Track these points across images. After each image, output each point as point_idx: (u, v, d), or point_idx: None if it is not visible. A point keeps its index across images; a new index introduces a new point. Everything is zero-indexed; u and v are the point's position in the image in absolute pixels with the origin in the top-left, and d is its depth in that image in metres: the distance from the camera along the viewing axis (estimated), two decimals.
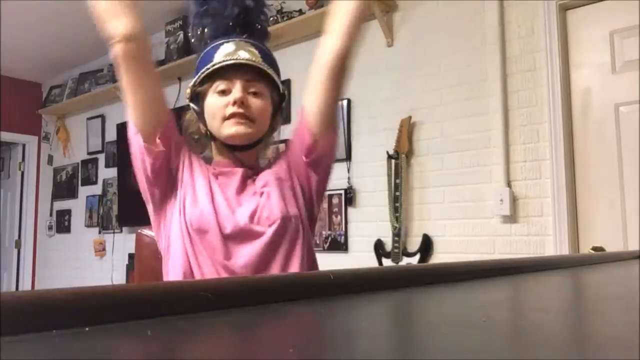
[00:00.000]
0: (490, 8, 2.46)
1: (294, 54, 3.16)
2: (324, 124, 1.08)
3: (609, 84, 2.21)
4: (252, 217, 1.02)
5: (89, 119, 4.79)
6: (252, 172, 1.10)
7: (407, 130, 2.65)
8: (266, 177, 1.08)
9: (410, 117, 2.66)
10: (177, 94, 3.95)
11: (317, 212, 1.15)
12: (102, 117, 4.68)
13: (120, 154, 4.33)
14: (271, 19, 3.17)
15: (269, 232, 1.00)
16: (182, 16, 3.81)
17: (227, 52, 1.05)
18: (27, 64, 4.79)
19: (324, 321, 0.35)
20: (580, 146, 2.26)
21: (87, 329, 0.28)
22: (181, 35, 3.81)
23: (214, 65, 1.04)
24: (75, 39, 4.28)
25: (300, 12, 3.08)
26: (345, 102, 2.95)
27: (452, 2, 2.60)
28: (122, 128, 4.28)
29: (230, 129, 1.03)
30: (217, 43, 1.08)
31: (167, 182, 1.05)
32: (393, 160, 2.67)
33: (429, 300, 0.47)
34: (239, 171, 1.08)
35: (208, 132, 1.08)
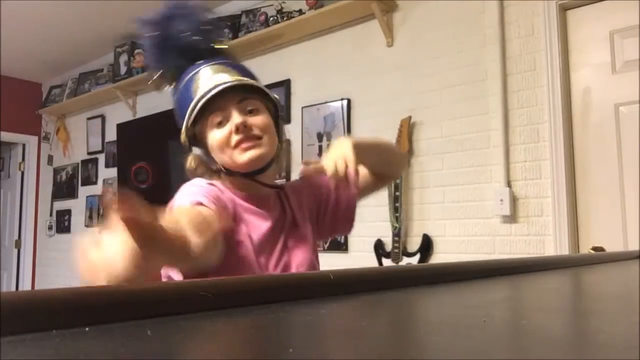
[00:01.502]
0: (490, 8, 2.46)
1: (293, 54, 3.16)
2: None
3: (609, 84, 2.21)
4: (284, 267, 1.02)
5: (89, 119, 4.80)
6: (278, 218, 1.07)
7: (407, 130, 2.65)
8: (294, 235, 1.08)
9: (410, 117, 2.66)
10: None
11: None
12: (102, 117, 4.68)
13: (120, 153, 4.33)
14: (271, 18, 3.18)
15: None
16: None
17: (204, 80, 1.01)
18: (27, 64, 4.79)
19: (324, 321, 0.35)
20: (580, 146, 2.26)
21: (87, 329, 0.28)
22: None
23: (199, 100, 0.98)
24: (75, 39, 4.28)
25: (300, 12, 3.08)
26: (345, 102, 2.96)
27: (452, 2, 2.60)
28: (122, 128, 4.30)
29: (243, 156, 0.98)
30: (187, 78, 1.03)
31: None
32: None
33: (429, 300, 0.47)
34: (270, 218, 1.05)
35: (222, 168, 1.02)
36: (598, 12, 2.24)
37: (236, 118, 0.98)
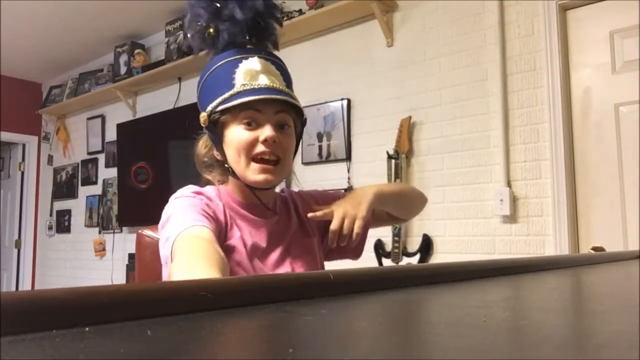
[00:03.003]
0: (490, 8, 2.46)
1: (293, 54, 3.16)
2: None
3: (609, 84, 2.21)
4: None
5: (89, 119, 4.80)
6: (277, 224, 1.05)
7: (407, 130, 2.65)
8: (298, 245, 1.06)
9: (410, 117, 2.66)
10: (177, 93, 3.96)
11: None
12: (102, 117, 4.68)
13: (120, 154, 4.33)
14: None
15: None
16: (182, 16, 3.82)
17: (250, 72, 0.96)
18: (27, 64, 4.80)
19: (324, 321, 0.35)
20: (580, 146, 2.26)
21: (87, 329, 0.28)
22: (181, 35, 3.82)
23: (238, 94, 0.95)
24: (75, 39, 4.28)
25: (300, 12, 3.08)
26: (345, 102, 2.96)
27: (452, 2, 2.60)
28: (122, 128, 4.30)
29: (258, 176, 0.96)
30: (232, 58, 0.98)
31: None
32: (393, 160, 2.67)
33: (429, 300, 0.47)
34: (265, 225, 1.03)
35: (228, 167, 1.00)
36: (598, 12, 2.24)
37: (269, 130, 0.95)
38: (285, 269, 1.02)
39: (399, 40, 2.81)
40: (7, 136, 5.02)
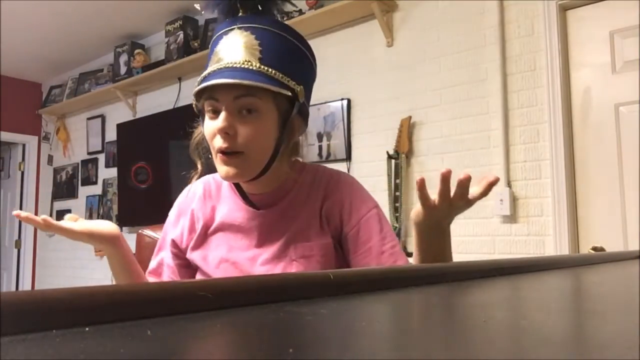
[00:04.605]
0: (490, 8, 2.46)
1: None
2: None
3: (609, 84, 2.21)
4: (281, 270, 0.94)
5: (89, 119, 4.80)
6: (283, 215, 0.94)
7: (407, 130, 2.65)
8: (303, 246, 0.94)
9: (410, 117, 2.66)
10: (177, 93, 3.96)
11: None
12: (102, 117, 4.68)
13: (120, 154, 4.33)
14: None
15: None
16: (182, 16, 3.82)
17: (220, 52, 0.86)
18: (27, 64, 4.80)
19: (324, 321, 0.35)
20: (580, 146, 2.26)
21: (87, 329, 0.28)
22: (181, 35, 3.82)
23: (204, 79, 0.86)
24: (75, 39, 4.29)
25: (300, 12, 3.08)
26: (345, 102, 2.96)
27: (452, 2, 2.60)
28: (122, 128, 4.30)
29: (220, 169, 0.87)
30: (217, 34, 0.90)
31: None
32: (393, 160, 2.67)
33: (429, 300, 0.47)
34: (259, 218, 0.94)
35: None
36: (598, 12, 2.25)
37: (221, 121, 0.84)
38: (281, 265, 0.93)
39: (399, 40, 2.81)
40: (7, 136, 5.02)
